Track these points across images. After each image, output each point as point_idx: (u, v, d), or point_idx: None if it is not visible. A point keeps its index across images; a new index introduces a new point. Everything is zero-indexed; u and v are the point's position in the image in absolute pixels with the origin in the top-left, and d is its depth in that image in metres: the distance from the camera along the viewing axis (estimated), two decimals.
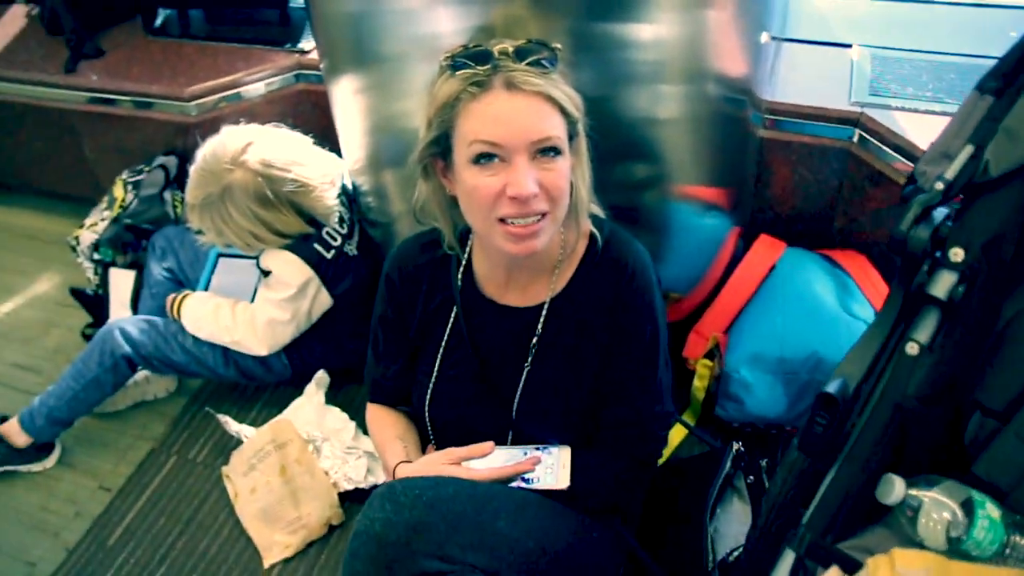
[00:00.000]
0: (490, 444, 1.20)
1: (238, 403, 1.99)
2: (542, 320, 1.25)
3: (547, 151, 1.06)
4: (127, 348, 1.82)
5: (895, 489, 0.87)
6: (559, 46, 1.11)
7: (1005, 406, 1.01)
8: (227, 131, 1.70)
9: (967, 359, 0.91)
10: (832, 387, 0.85)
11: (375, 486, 1.72)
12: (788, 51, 1.95)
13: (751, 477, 1.54)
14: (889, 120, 1.69)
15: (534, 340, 1.26)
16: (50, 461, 1.92)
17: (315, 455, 1.75)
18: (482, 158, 1.06)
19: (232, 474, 1.77)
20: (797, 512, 1.14)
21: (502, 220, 1.09)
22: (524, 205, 1.06)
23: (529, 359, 1.27)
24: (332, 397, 1.92)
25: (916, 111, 1.71)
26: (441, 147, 1.13)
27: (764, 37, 1.58)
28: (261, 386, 2.02)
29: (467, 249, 1.29)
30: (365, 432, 1.84)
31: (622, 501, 1.35)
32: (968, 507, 0.88)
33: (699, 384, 1.74)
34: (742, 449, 1.55)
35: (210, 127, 1.79)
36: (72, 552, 1.73)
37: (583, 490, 1.26)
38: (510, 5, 1.32)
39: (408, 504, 1.05)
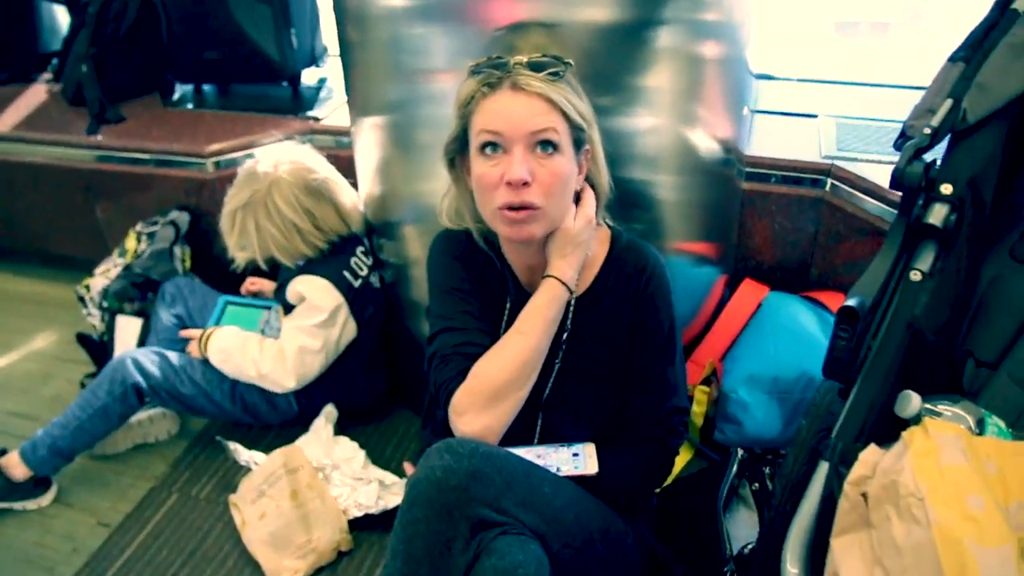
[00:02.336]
0: None
1: (242, 443, 2.00)
2: (570, 317, 1.34)
3: (545, 146, 1.17)
4: (137, 377, 1.85)
5: (911, 403, 0.96)
6: (571, 62, 1.25)
7: (996, 357, 1.13)
8: (265, 148, 1.86)
9: (958, 296, 1.04)
10: (851, 301, 0.95)
11: (386, 511, 1.74)
12: (761, 121, 2.18)
13: (756, 484, 1.61)
14: (858, 169, 1.88)
15: (564, 336, 1.34)
16: (46, 499, 1.89)
17: (325, 483, 1.77)
18: (487, 147, 1.19)
19: (240, 502, 1.77)
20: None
21: (503, 207, 1.19)
22: (517, 192, 1.17)
23: (560, 355, 1.35)
24: (339, 433, 1.95)
25: (881, 162, 1.91)
26: (461, 142, 1.26)
27: (745, 111, 1.78)
28: (265, 427, 2.04)
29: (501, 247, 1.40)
30: (375, 462, 1.87)
31: (643, 492, 1.41)
32: (981, 424, 0.98)
33: (697, 410, 1.83)
34: (745, 456, 1.63)
35: (225, 183, 1.90)
36: None
37: (609, 478, 1.32)
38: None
39: (467, 454, 1.10)
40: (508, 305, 1.36)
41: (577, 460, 1.34)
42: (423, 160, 1.64)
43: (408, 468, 1.63)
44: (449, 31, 1.49)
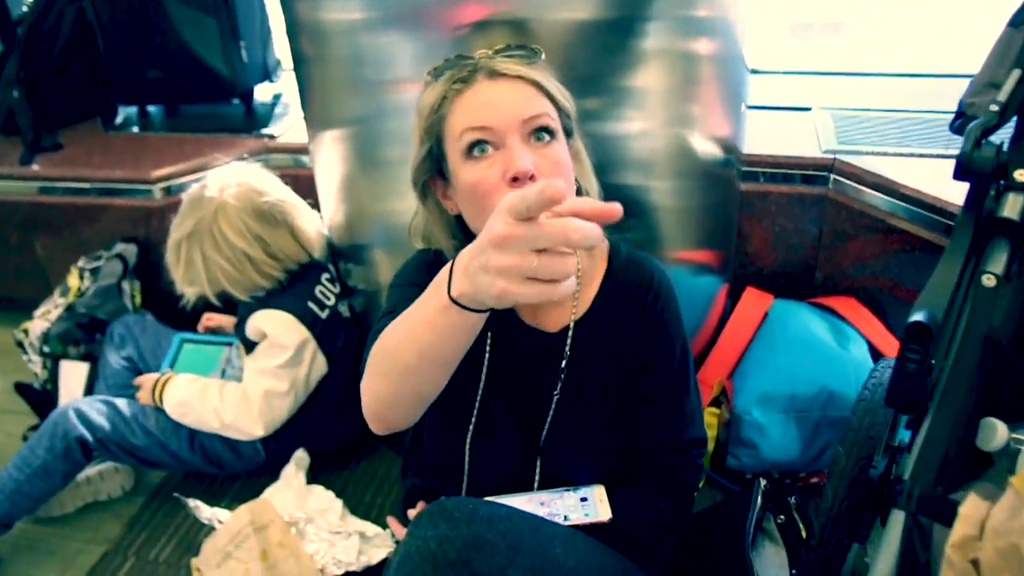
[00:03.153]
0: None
1: (204, 496, 1.79)
2: (568, 344, 1.16)
3: (540, 134, 1.00)
4: (82, 429, 1.64)
5: (997, 434, 0.81)
6: (541, 49, 1.08)
7: None
8: (214, 171, 1.67)
9: None
10: (920, 315, 0.79)
11: (369, 568, 1.55)
12: (752, 117, 2.03)
13: (781, 517, 1.45)
14: (864, 163, 1.74)
15: (562, 365, 1.16)
16: None
17: (299, 539, 1.57)
18: (475, 148, 1.00)
19: (203, 566, 1.57)
20: (855, 523, 1.06)
21: None
22: (524, 186, 0.95)
23: (559, 387, 1.17)
24: (311, 483, 1.76)
25: (886, 154, 1.77)
26: (434, 160, 1.08)
27: (742, 108, 1.64)
28: (229, 476, 1.85)
29: None
30: (353, 511, 1.68)
31: (664, 538, 1.24)
32: None
33: (708, 434, 1.66)
34: (768, 486, 1.47)
35: (174, 211, 1.71)
36: None
37: (625, 525, 1.15)
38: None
39: (465, 519, 0.92)
40: (489, 339, 1.18)
41: (586, 506, 1.17)
42: (391, 177, 1.49)
43: (392, 523, 1.45)
44: (414, 38, 1.34)
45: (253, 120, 2.31)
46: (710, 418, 1.66)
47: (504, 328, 1.16)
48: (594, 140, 1.16)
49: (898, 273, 1.74)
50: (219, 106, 2.41)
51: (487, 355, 1.17)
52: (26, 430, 1.98)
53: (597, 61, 1.34)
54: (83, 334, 2.03)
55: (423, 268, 1.20)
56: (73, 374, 1.95)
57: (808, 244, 1.86)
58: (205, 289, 1.63)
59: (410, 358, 0.87)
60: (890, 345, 1.72)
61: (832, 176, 1.77)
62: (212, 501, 1.77)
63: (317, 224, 1.74)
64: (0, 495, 1.62)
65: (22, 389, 2.00)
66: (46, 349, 1.97)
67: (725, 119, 1.55)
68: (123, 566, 1.67)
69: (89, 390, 1.94)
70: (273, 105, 2.41)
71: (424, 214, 1.16)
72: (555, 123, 1.02)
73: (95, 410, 1.68)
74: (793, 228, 1.85)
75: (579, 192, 1.14)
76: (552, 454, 1.21)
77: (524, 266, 0.66)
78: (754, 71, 2.31)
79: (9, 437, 2.04)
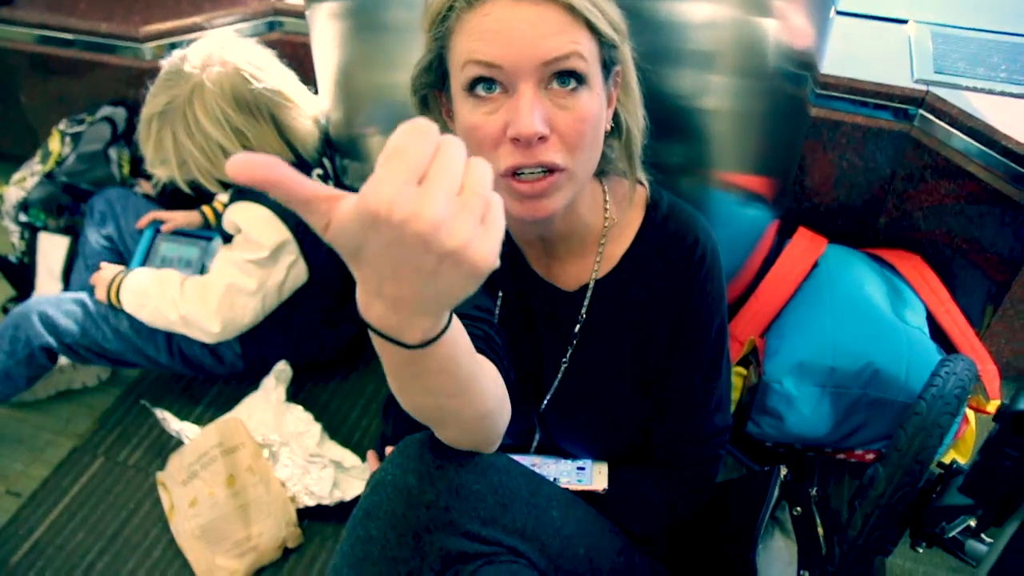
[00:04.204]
0: None
1: (181, 398, 1.69)
2: (585, 306, 1.00)
3: (565, 79, 0.78)
4: (47, 337, 1.50)
5: None
6: None
7: None
8: (197, 41, 1.44)
9: None
10: None
11: (342, 503, 1.45)
12: (836, 24, 1.72)
13: (798, 508, 1.29)
14: (961, 101, 1.46)
15: (576, 329, 1.01)
16: None
17: (271, 462, 1.46)
18: (478, 86, 0.79)
19: (168, 482, 1.48)
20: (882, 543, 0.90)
21: (507, 173, 0.81)
22: (528, 150, 0.79)
23: (569, 353, 1.02)
24: (294, 396, 1.64)
25: (991, 92, 1.49)
26: (436, 75, 0.87)
27: (832, 13, 1.34)
28: (209, 379, 1.72)
29: None
30: (332, 436, 1.56)
31: (666, 528, 1.10)
32: None
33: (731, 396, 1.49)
34: (789, 475, 1.30)
35: None
36: None
37: (623, 504, 1.03)
38: None
39: (456, 459, 0.78)
40: (500, 297, 1.01)
41: (582, 474, 1.06)
42: (393, 44, 1.26)
43: (372, 459, 1.33)
44: None
45: None
46: (735, 379, 1.48)
47: (516, 285, 1.02)
48: (644, 26, 0.91)
49: (977, 236, 1.49)
50: None
51: (496, 314, 1.01)
52: (6, 301, 1.87)
53: None
54: (69, 199, 1.87)
55: None
56: (52, 248, 1.81)
57: (876, 184, 1.61)
58: (175, 173, 1.43)
59: (443, 403, 0.66)
60: (951, 316, 1.50)
61: (920, 112, 1.49)
62: (188, 404, 1.68)
63: (312, 118, 1.50)
64: None
65: None
66: (24, 218, 1.81)
67: (809, 24, 1.25)
68: (91, 464, 1.58)
69: (68, 266, 1.80)
70: None
71: None
72: (588, 64, 0.79)
73: (62, 312, 1.52)
74: (863, 165, 1.59)
75: (618, 129, 0.92)
76: (553, 426, 1.08)
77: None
78: None
79: None
